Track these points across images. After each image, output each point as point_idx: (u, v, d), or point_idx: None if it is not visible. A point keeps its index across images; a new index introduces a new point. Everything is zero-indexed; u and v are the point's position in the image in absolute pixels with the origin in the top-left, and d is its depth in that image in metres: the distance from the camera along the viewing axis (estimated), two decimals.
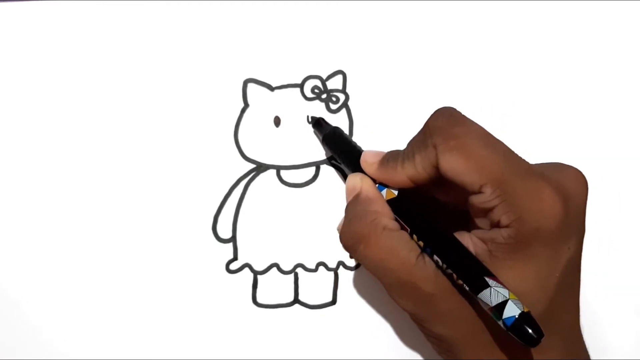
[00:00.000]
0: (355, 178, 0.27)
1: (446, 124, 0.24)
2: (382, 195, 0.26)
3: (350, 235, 0.25)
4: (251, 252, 0.33)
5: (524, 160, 0.24)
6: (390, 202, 0.26)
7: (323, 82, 0.34)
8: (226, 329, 0.32)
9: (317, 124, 0.33)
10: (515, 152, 0.24)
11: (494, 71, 0.34)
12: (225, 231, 0.33)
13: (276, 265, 0.33)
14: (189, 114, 0.34)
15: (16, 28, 0.34)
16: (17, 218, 0.33)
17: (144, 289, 0.33)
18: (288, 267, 0.33)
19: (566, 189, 0.23)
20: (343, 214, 0.30)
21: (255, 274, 0.33)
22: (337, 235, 0.31)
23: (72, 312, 0.32)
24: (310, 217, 0.33)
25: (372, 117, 0.34)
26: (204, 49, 0.34)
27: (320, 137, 0.32)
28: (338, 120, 0.34)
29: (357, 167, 0.28)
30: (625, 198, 0.34)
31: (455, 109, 0.25)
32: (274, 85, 0.34)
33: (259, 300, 0.33)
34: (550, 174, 0.23)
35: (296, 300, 0.33)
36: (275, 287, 0.33)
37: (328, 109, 0.34)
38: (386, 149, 0.33)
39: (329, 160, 0.34)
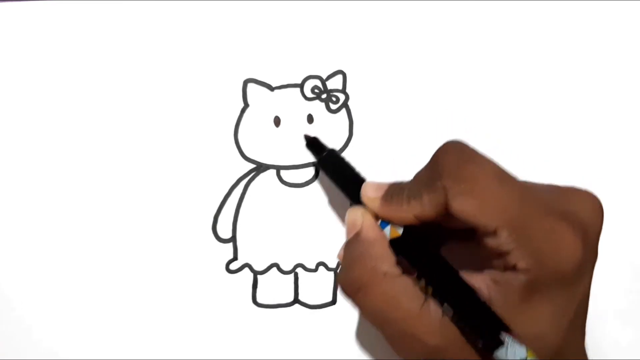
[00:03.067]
0: (356, 213, 0.25)
1: (456, 163, 0.22)
2: (384, 235, 0.24)
3: (349, 281, 0.23)
4: (251, 252, 0.33)
5: (541, 196, 0.22)
6: (394, 242, 0.24)
7: (323, 82, 0.34)
8: (226, 329, 0.32)
9: (312, 144, 0.31)
10: (531, 183, 0.22)
11: (494, 71, 0.34)
12: (225, 231, 0.33)
13: (276, 265, 0.33)
14: (189, 114, 0.34)
15: (16, 28, 0.34)
16: (17, 218, 0.33)
17: (143, 288, 0.33)
18: (288, 267, 0.33)
19: (584, 223, 0.22)
20: (342, 214, 0.30)
21: (255, 273, 0.33)
22: (337, 235, 0.32)
23: (72, 311, 0.32)
24: (310, 217, 0.33)
25: (372, 117, 0.34)
26: (204, 49, 0.34)
27: (316, 159, 0.31)
28: (338, 120, 0.34)
29: (357, 198, 0.26)
30: (624, 198, 0.34)
31: (464, 145, 0.23)
32: (273, 85, 0.34)
33: (259, 300, 0.33)
34: (570, 207, 0.22)
35: (296, 300, 0.33)
36: (275, 287, 0.33)
37: (328, 109, 0.34)
38: (386, 149, 0.34)
39: None
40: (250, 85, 0.34)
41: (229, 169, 0.33)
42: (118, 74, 0.34)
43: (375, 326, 0.23)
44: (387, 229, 0.24)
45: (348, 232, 0.26)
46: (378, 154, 0.33)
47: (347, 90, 0.34)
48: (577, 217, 0.22)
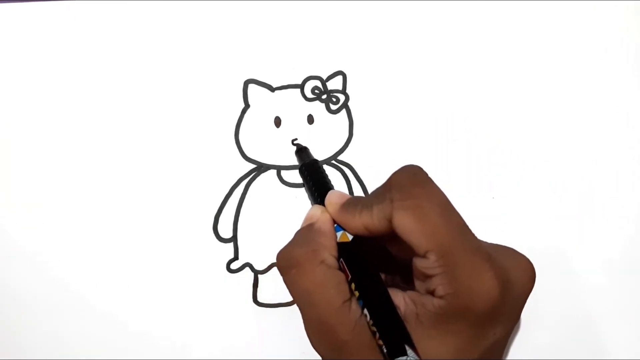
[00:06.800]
0: (317, 209, 0.27)
1: (408, 182, 0.24)
2: (335, 233, 0.26)
3: (287, 257, 0.25)
4: (252, 252, 0.33)
5: (475, 237, 0.23)
6: (342, 245, 0.25)
7: (323, 82, 0.34)
8: (226, 328, 0.32)
9: (301, 151, 0.33)
10: (469, 226, 0.24)
11: (493, 71, 0.35)
12: (226, 231, 0.33)
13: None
14: (190, 114, 0.34)
15: (16, 28, 0.34)
16: (18, 219, 0.33)
17: (145, 288, 0.33)
18: None
19: (510, 277, 0.23)
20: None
21: (256, 273, 0.33)
22: None
23: (73, 311, 0.33)
24: None
25: (372, 118, 0.34)
26: (205, 49, 0.34)
27: (299, 164, 0.32)
28: (338, 121, 0.34)
29: (322, 203, 0.28)
30: (623, 197, 0.34)
31: (421, 169, 0.25)
32: (274, 86, 0.34)
33: (260, 299, 0.33)
34: (499, 258, 0.23)
35: None
36: (276, 287, 0.33)
37: (328, 109, 0.34)
38: (386, 149, 0.34)
39: (329, 161, 0.34)
40: (251, 86, 0.34)
41: (230, 169, 0.33)
42: (119, 74, 0.34)
43: (298, 306, 0.24)
44: (340, 233, 0.26)
45: (303, 223, 0.27)
46: (378, 154, 0.34)
47: (347, 91, 0.34)
48: (504, 270, 0.23)
